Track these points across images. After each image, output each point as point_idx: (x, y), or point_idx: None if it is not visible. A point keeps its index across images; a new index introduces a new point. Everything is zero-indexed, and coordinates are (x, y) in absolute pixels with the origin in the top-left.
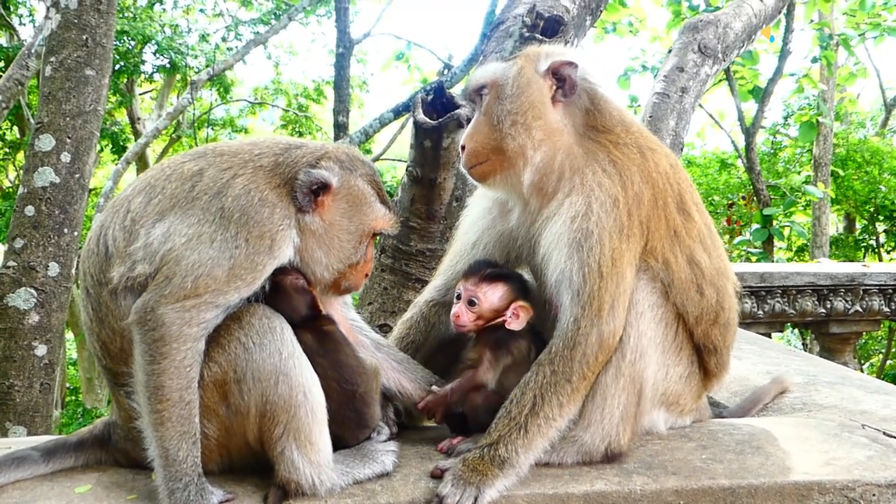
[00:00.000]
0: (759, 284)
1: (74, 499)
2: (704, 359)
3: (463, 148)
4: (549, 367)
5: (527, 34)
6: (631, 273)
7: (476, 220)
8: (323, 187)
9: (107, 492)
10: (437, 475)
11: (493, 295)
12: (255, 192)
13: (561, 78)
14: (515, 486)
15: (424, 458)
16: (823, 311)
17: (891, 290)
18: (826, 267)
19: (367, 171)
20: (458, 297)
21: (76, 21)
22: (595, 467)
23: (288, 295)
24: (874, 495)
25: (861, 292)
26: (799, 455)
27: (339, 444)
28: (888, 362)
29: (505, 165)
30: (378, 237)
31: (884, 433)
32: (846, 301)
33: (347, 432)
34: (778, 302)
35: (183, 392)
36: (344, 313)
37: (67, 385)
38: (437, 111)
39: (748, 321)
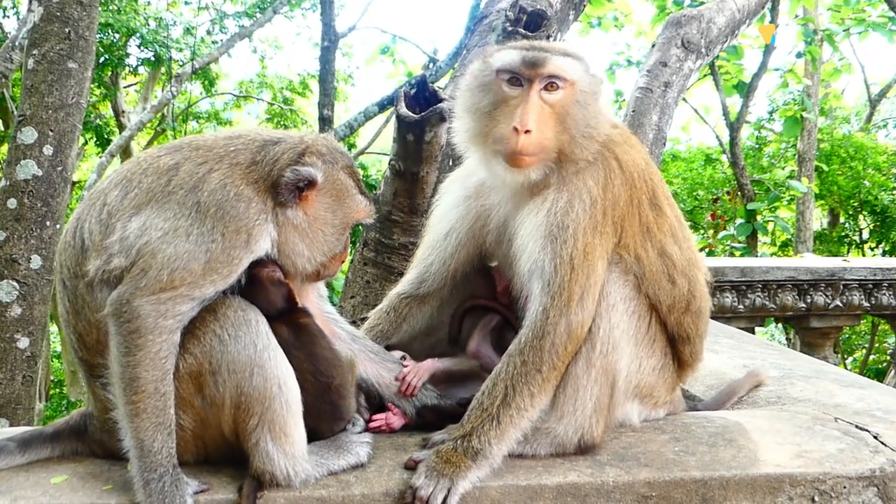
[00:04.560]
0: (739, 279)
1: (50, 489)
2: (678, 348)
3: (528, 131)
4: (520, 358)
5: (510, 28)
6: (602, 266)
7: (449, 210)
8: (308, 184)
9: (82, 482)
10: (411, 466)
11: None
12: (230, 187)
13: None
14: (489, 477)
15: (399, 450)
16: (804, 305)
17: (871, 285)
18: (806, 262)
19: (347, 162)
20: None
21: (59, 14)
22: (568, 459)
23: (264, 288)
24: (845, 487)
25: (841, 287)
26: (771, 447)
27: (314, 435)
28: (871, 357)
29: (553, 166)
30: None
31: (856, 426)
32: (826, 296)
33: (323, 424)
34: (758, 296)
35: (158, 384)
36: (320, 306)
37: (52, 378)
38: (420, 105)
39: (728, 315)
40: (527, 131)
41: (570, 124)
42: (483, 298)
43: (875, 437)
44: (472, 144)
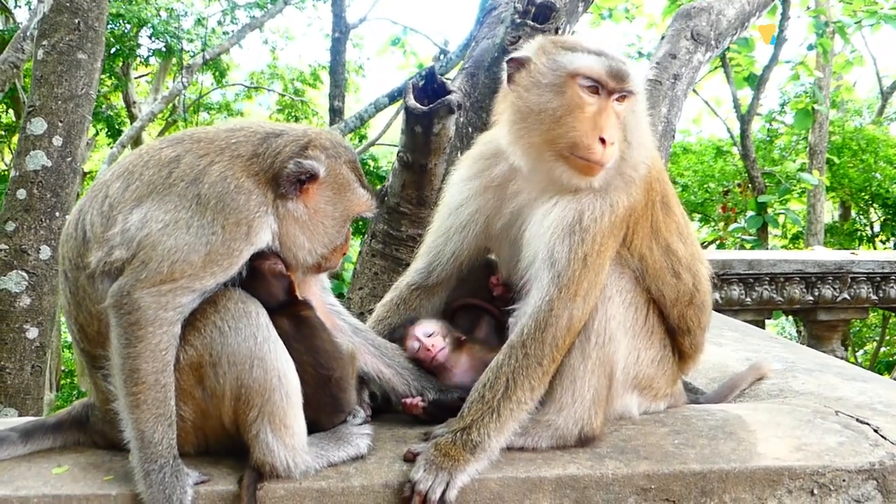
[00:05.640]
0: (747, 272)
1: (51, 479)
2: (679, 340)
3: (604, 142)
4: (522, 351)
5: (518, 20)
6: (609, 264)
7: (469, 199)
8: (310, 177)
9: (84, 472)
10: (410, 459)
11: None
12: (231, 180)
13: None
14: (487, 469)
15: (399, 442)
16: (811, 298)
17: (879, 278)
18: (814, 254)
19: (349, 156)
20: (417, 346)
21: (68, 4)
22: (568, 451)
23: (265, 280)
24: (844, 480)
25: (849, 280)
26: (771, 441)
27: (314, 427)
28: (882, 349)
29: (606, 177)
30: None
31: (857, 419)
32: (834, 289)
33: (323, 416)
34: (766, 289)
35: (158, 375)
36: (322, 298)
37: (63, 368)
38: (428, 97)
39: (736, 308)
40: (610, 143)
41: (629, 135)
42: (477, 298)
43: (875, 431)
44: (528, 142)
